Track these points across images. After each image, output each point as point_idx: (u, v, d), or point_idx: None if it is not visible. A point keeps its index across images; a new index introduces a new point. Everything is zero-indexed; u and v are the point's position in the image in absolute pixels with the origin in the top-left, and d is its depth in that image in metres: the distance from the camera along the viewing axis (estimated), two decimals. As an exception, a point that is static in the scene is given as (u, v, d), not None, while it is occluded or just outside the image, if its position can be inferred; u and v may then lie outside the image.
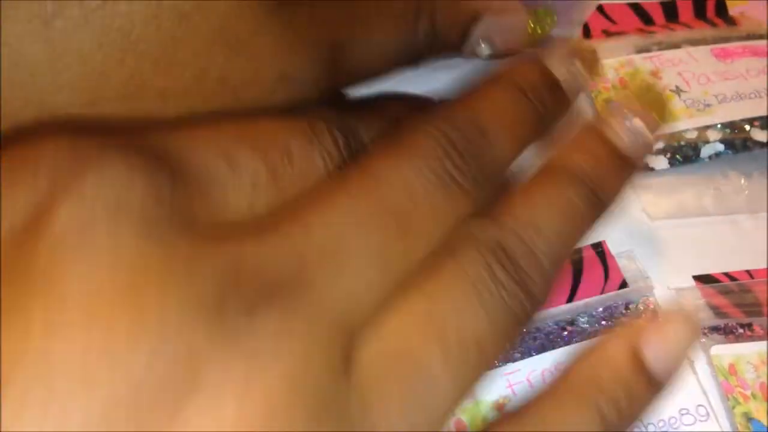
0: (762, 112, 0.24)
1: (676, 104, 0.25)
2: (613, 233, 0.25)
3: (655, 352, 0.18)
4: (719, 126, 0.25)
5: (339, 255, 0.14)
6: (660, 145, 0.25)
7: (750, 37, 0.26)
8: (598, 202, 0.18)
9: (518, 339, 0.19)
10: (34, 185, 0.13)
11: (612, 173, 0.19)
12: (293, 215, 0.15)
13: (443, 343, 0.15)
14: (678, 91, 0.24)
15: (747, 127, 0.24)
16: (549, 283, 0.17)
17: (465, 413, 0.22)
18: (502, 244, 0.16)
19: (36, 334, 0.12)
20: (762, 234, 0.24)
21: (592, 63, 0.21)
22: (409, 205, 0.16)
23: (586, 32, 0.29)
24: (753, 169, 0.24)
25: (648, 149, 0.20)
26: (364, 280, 0.14)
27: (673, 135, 0.25)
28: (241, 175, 0.15)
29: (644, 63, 0.26)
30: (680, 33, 0.27)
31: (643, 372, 0.18)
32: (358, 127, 0.17)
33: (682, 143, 0.25)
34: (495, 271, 0.16)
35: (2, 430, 0.12)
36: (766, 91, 0.24)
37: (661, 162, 0.25)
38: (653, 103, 0.24)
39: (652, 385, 0.18)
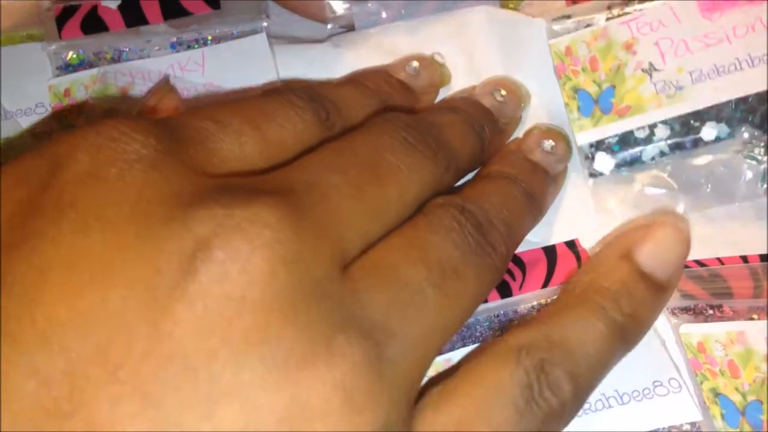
0: (737, 93, 0.23)
1: (646, 90, 0.24)
2: (584, 230, 0.26)
3: (646, 252, 0.20)
4: (668, 123, 0.24)
5: (322, 186, 0.17)
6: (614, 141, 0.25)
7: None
8: (532, 198, 0.23)
9: (492, 289, 0.20)
10: (55, 142, 0.16)
11: (537, 180, 0.24)
12: (284, 165, 0.18)
13: (424, 262, 0.17)
14: (651, 69, 0.23)
15: (697, 125, 0.24)
16: (508, 246, 0.20)
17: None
18: (464, 207, 0.19)
19: (67, 237, 0.15)
20: (733, 224, 0.24)
21: (512, 88, 0.26)
22: (378, 159, 0.19)
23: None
24: (708, 163, 0.24)
25: (559, 166, 0.25)
26: (346, 207, 0.17)
27: (625, 135, 0.25)
28: (226, 128, 0.18)
29: (619, 30, 0.24)
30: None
31: (637, 271, 0.20)
32: (316, 85, 0.22)
33: (630, 141, 0.25)
34: (463, 223, 0.19)
35: (43, 308, 0.14)
36: (747, 60, 0.23)
37: (606, 164, 0.25)
38: (558, 135, 0.26)
39: (649, 284, 0.20)
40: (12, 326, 0.14)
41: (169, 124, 0.17)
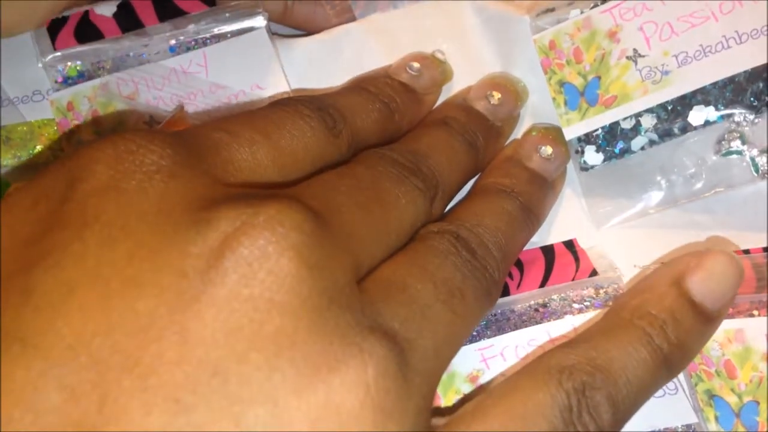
0: (725, 73, 0.22)
1: (631, 77, 0.23)
2: (582, 229, 0.26)
3: (697, 281, 0.20)
4: (654, 111, 0.23)
5: (333, 204, 0.17)
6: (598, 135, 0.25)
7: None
8: (528, 211, 0.23)
9: (487, 313, 0.21)
10: (71, 157, 0.16)
11: (534, 191, 0.23)
12: (296, 180, 0.19)
13: (431, 280, 0.18)
14: (635, 56, 0.22)
15: (685, 110, 0.23)
16: (501, 269, 0.21)
17: (439, 385, 0.23)
18: (458, 235, 0.20)
19: (92, 249, 0.15)
20: (735, 217, 0.23)
21: (506, 89, 0.25)
22: (378, 186, 0.19)
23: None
24: (699, 149, 0.23)
25: (557, 170, 0.25)
26: (355, 224, 0.17)
27: (612, 127, 0.24)
28: (238, 138, 0.18)
29: (602, 19, 0.23)
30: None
31: (687, 298, 0.20)
32: (321, 95, 0.22)
33: (617, 132, 0.24)
34: (459, 249, 0.19)
35: (71, 322, 0.14)
36: (735, 38, 0.22)
37: (596, 157, 0.24)
38: (557, 137, 0.25)
39: (698, 313, 0.19)
40: (39, 341, 0.14)
41: (184, 135, 0.18)
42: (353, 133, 0.21)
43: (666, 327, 0.18)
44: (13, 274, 0.15)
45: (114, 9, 0.28)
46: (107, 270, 0.14)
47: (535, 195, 0.23)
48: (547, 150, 0.24)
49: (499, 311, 0.25)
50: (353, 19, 0.29)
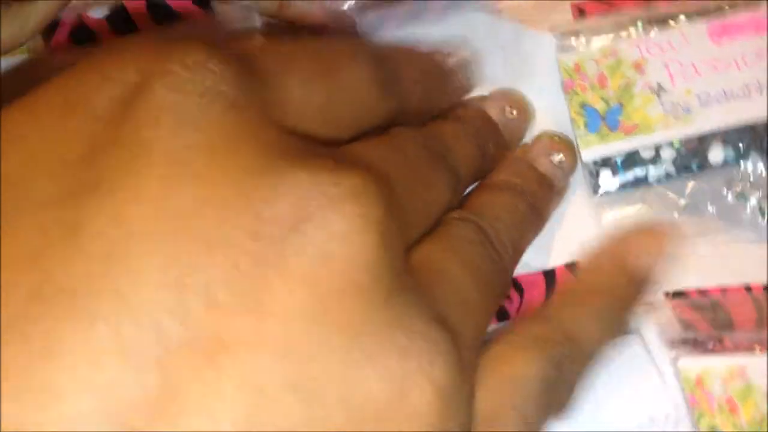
0: (745, 119, 0.22)
1: (654, 110, 0.23)
2: (585, 252, 0.25)
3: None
4: (673, 145, 0.24)
5: (387, 178, 0.16)
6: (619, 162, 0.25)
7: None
8: (537, 212, 0.23)
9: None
10: (126, 70, 0.14)
11: (543, 192, 0.24)
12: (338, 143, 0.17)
13: (468, 267, 0.18)
14: (659, 90, 0.23)
15: (704, 148, 0.23)
16: (511, 268, 0.21)
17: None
18: (481, 226, 0.20)
19: (153, 188, 0.13)
20: (737, 252, 0.24)
21: (522, 107, 0.26)
22: (419, 168, 0.18)
23: (582, 11, 0.28)
24: (713, 188, 0.24)
25: (565, 179, 0.25)
26: (403, 202, 0.16)
27: (630, 155, 0.24)
28: (291, 74, 0.16)
29: (629, 50, 0.24)
30: (680, 3, 0.24)
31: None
32: (380, 48, 0.22)
33: (635, 161, 0.24)
34: (483, 240, 0.19)
35: (129, 276, 0.12)
36: (757, 86, 0.23)
37: (611, 182, 0.25)
38: (567, 146, 0.25)
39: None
40: (92, 294, 0.12)
41: (242, 59, 0.15)
42: (402, 98, 0.20)
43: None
44: (56, 203, 0.13)
45: (107, 12, 0.27)
46: (170, 214, 0.12)
47: (544, 197, 0.24)
48: (559, 157, 0.24)
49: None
50: (352, 21, 0.28)
